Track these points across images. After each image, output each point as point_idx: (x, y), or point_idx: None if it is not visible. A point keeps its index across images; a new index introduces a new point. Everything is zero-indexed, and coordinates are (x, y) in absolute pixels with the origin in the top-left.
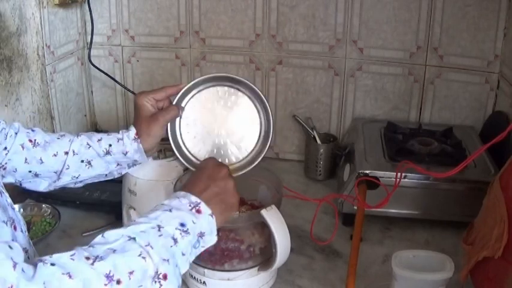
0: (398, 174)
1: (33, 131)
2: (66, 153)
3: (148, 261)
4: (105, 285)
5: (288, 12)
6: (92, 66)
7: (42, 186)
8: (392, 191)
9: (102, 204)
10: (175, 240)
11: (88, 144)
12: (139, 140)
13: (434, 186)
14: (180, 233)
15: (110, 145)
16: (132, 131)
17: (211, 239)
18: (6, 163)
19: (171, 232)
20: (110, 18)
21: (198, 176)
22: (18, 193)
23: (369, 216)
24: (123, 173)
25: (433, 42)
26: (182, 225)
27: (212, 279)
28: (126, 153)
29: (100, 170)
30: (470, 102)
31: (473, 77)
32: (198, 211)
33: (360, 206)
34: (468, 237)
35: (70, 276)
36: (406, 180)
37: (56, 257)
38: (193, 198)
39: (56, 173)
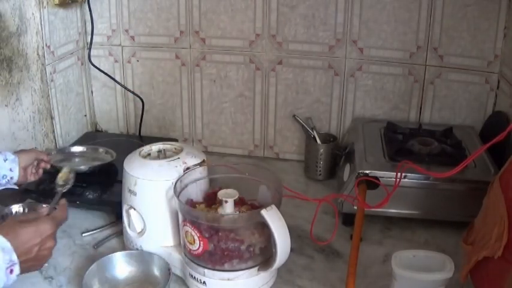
0: (398, 174)
1: None
2: None
3: None
4: None
5: (288, 12)
6: (92, 66)
7: None
8: (392, 191)
9: (102, 204)
10: None
11: None
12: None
13: (434, 186)
14: None
15: None
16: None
17: None
18: None
19: None
20: (110, 18)
21: (32, 236)
22: (18, 193)
23: (369, 216)
24: None
25: (433, 42)
26: None
27: (212, 279)
28: None
29: None
30: (470, 102)
31: (473, 77)
32: (11, 271)
33: (360, 206)
34: (468, 237)
35: None
36: (406, 180)
37: None
38: (14, 257)
39: None
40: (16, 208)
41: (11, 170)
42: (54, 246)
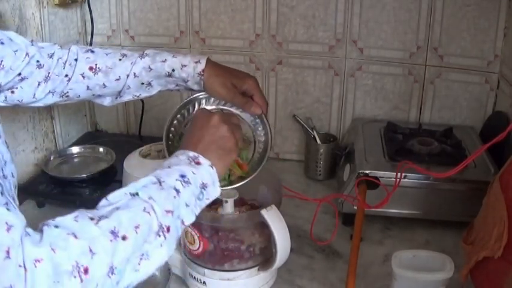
0: (398, 174)
1: (92, 52)
2: (128, 75)
3: (152, 215)
4: (111, 241)
5: (288, 12)
6: None
7: (106, 102)
8: (392, 191)
9: None
10: (177, 191)
11: (150, 67)
12: (203, 76)
13: (434, 186)
14: (181, 183)
15: (173, 70)
16: (201, 65)
17: (214, 190)
18: (68, 92)
19: (172, 184)
20: (110, 18)
21: (190, 131)
22: (18, 193)
23: (369, 216)
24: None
25: (433, 42)
26: (182, 176)
27: (212, 279)
28: (187, 81)
29: (159, 88)
30: (470, 102)
31: (473, 77)
32: (198, 163)
33: (360, 206)
34: (468, 237)
35: (75, 236)
36: (406, 180)
37: (59, 219)
38: (191, 153)
39: (118, 92)
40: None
41: (193, 89)
42: (228, 125)
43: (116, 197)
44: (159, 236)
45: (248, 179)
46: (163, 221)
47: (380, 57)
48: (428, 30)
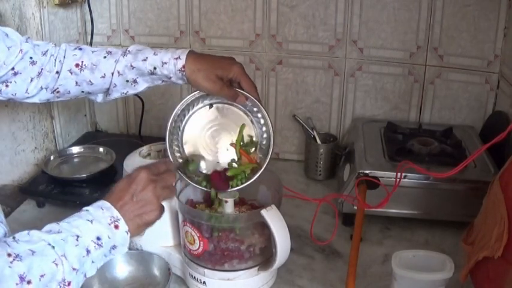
0: (398, 174)
1: (80, 49)
2: (112, 73)
3: (59, 268)
4: (17, 284)
5: (288, 12)
6: None
7: (99, 99)
8: (392, 191)
9: None
10: (88, 252)
11: (132, 65)
12: (184, 73)
13: (434, 186)
14: (95, 246)
15: (155, 68)
16: (181, 61)
17: (122, 250)
18: (58, 87)
19: (86, 244)
20: (110, 18)
21: (125, 188)
22: (17, 193)
23: (369, 216)
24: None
25: (433, 42)
26: (98, 238)
27: (212, 279)
28: (170, 78)
29: (146, 85)
30: (470, 102)
31: (473, 77)
32: (116, 226)
33: (360, 206)
34: (468, 237)
35: None
36: (406, 180)
37: None
38: (115, 213)
39: (107, 89)
40: None
41: (179, 84)
42: (154, 189)
43: (36, 236)
44: (60, 286)
45: (263, 168)
46: (67, 276)
47: (380, 57)
48: (428, 30)
